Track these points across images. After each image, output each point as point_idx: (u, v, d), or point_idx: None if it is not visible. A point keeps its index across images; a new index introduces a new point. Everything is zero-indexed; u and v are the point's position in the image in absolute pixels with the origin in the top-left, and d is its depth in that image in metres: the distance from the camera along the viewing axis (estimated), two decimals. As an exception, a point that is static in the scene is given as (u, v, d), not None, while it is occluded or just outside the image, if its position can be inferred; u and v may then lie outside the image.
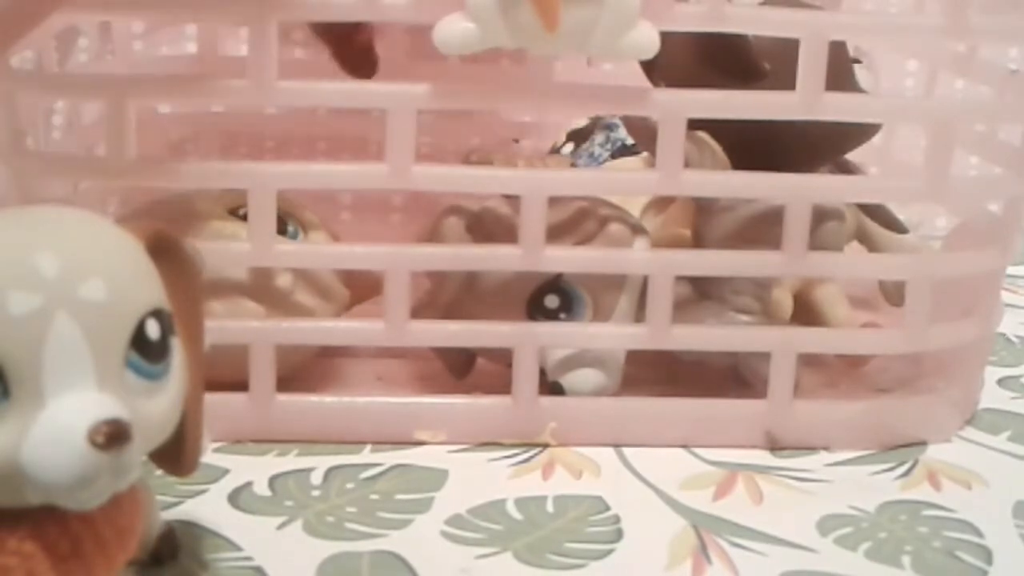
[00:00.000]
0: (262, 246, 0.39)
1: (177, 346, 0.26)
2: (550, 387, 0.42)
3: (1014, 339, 0.54)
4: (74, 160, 0.43)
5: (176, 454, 0.28)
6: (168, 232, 0.28)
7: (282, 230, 0.42)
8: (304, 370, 0.44)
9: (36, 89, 0.41)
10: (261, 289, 0.42)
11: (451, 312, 0.42)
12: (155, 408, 0.25)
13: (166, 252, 0.27)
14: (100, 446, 0.23)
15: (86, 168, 0.42)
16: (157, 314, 0.25)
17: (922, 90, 0.54)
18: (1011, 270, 0.58)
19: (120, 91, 0.38)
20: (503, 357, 0.41)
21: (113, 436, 0.23)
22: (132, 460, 0.24)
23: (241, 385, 0.40)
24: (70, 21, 0.46)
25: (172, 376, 0.26)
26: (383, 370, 0.46)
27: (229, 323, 0.40)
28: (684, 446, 0.41)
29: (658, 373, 0.44)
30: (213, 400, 0.40)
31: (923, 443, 0.42)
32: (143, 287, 0.26)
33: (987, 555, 0.35)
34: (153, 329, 0.25)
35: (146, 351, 0.25)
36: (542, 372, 0.41)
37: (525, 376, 0.41)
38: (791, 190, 0.40)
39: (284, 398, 0.41)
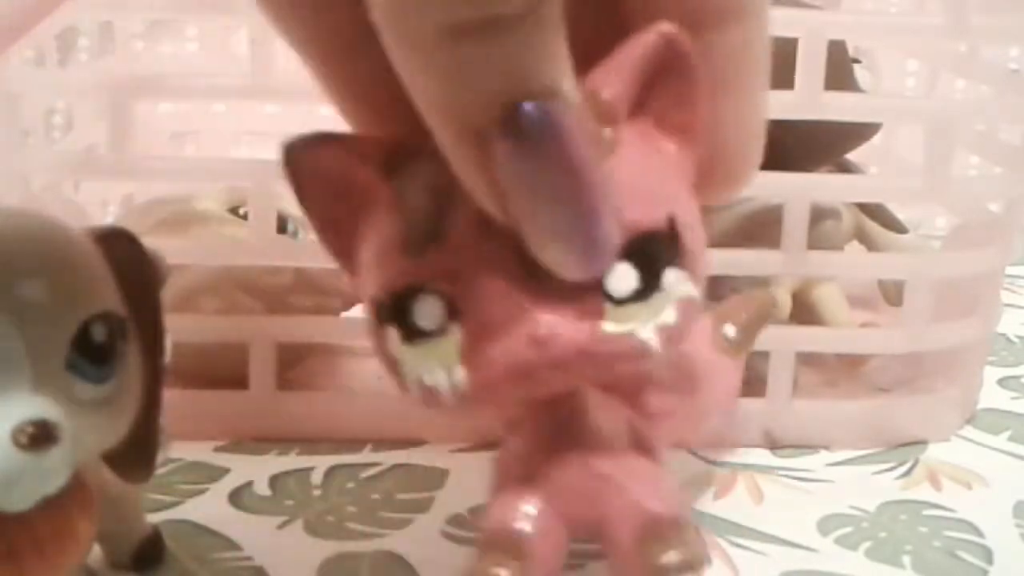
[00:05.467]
0: (262, 244, 0.39)
1: (131, 351, 0.26)
2: None
3: (1014, 339, 0.54)
4: (75, 159, 0.43)
5: (131, 460, 0.28)
6: (128, 235, 0.27)
7: (282, 229, 0.42)
8: (303, 369, 0.44)
9: (37, 88, 0.42)
10: (261, 287, 0.42)
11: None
12: (99, 412, 0.25)
13: (124, 255, 0.27)
14: (23, 446, 0.23)
15: (87, 167, 0.42)
16: (105, 317, 0.25)
17: (923, 90, 0.54)
18: (1011, 270, 0.58)
19: (121, 90, 0.38)
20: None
21: (37, 437, 0.23)
22: (61, 463, 0.24)
23: (240, 382, 0.41)
24: (70, 21, 0.46)
25: (121, 381, 0.25)
26: (383, 369, 0.46)
27: (229, 320, 0.40)
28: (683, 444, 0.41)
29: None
30: (212, 398, 0.41)
31: (923, 442, 0.42)
32: (90, 289, 0.25)
33: (987, 555, 0.35)
34: (99, 332, 0.25)
35: (90, 354, 0.25)
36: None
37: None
38: (790, 189, 0.40)
39: (284, 396, 0.41)
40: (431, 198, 0.23)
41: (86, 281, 0.25)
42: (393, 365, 0.25)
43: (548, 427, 0.27)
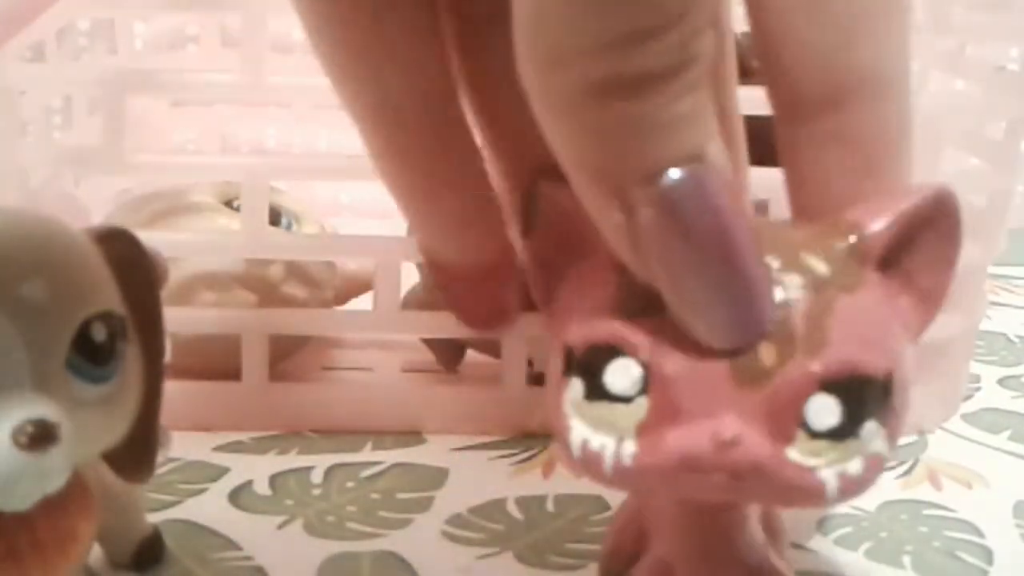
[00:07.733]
0: (254, 236, 0.39)
1: (131, 351, 0.26)
2: (536, 377, 0.41)
3: (1014, 339, 0.53)
4: (73, 154, 0.42)
5: (131, 460, 0.28)
6: (128, 235, 0.27)
7: (275, 222, 0.42)
8: (295, 360, 0.44)
9: (36, 84, 0.41)
10: (254, 279, 0.41)
11: (440, 303, 0.42)
12: (99, 412, 0.25)
13: (124, 255, 0.27)
14: (23, 446, 0.23)
15: (85, 162, 0.42)
16: (105, 317, 0.25)
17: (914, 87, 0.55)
18: (1011, 270, 0.58)
19: (118, 86, 0.38)
20: (492, 348, 0.41)
21: (37, 436, 0.23)
22: (60, 462, 0.24)
23: (233, 374, 0.41)
24: (71, 17, 0.46)
25: (121, 381, 0.25)
26: (373, 361, 0.46)
27: (222, 312, 0.40)
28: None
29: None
30: (204, 389, 0.40)
31: (908, 436, 0.42)
32: (90, 289, 0.25)
33: (987, 555, 0.35)
34: (99, 332, 0.25)
35: (90, 354, 0.24)
36: (530, 363, 0.41)
37: (513, 366, 0.41)
38: (778, 185, 0.40)
39: (276, 387, 0.41)
40: None
41: (86, 281, 0.25)
42: (559, 418, 0.24)
43: (702, 536, 0.26)
